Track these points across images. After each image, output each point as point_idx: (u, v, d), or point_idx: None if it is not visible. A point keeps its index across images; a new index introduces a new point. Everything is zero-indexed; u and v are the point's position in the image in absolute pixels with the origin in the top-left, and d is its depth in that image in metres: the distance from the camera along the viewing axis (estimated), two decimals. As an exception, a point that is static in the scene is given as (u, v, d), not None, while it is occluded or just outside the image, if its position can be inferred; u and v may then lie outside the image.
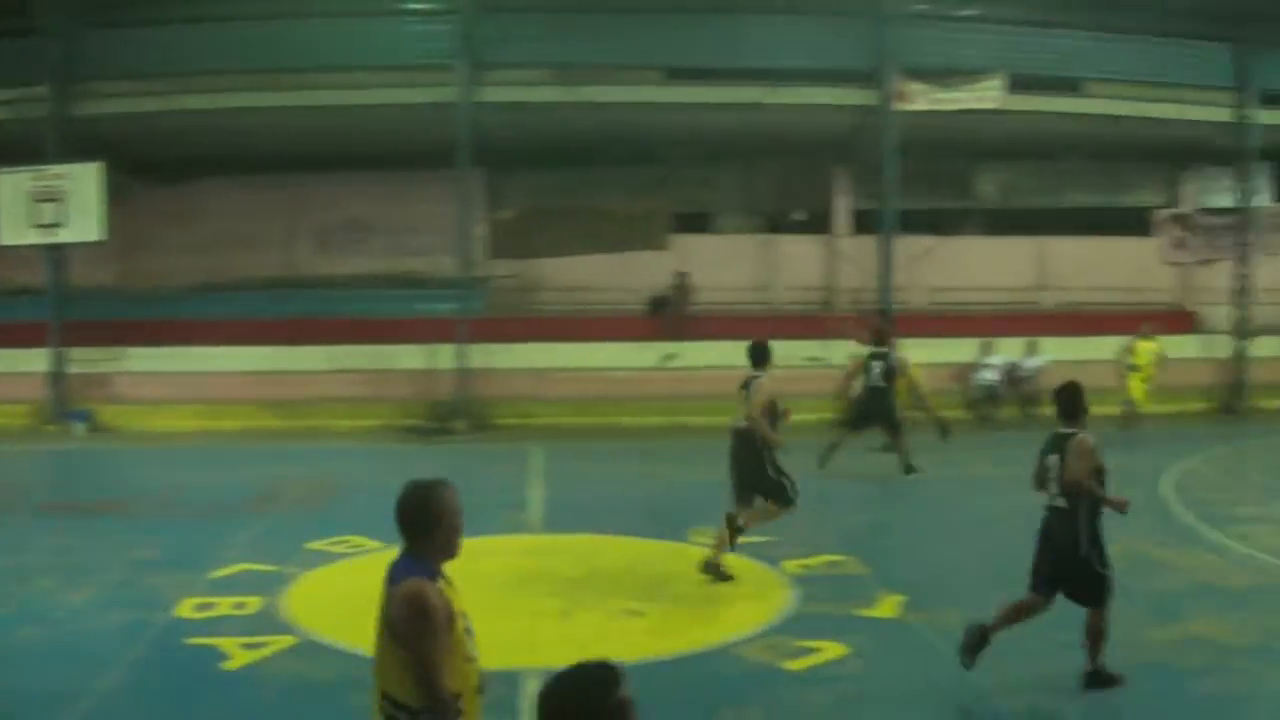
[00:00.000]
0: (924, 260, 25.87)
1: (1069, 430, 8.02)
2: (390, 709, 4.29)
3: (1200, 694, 8.76)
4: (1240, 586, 12.03)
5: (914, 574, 12.03)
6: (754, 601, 11.05)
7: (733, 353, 23.75)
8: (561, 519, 14.46)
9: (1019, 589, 11.18)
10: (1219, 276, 26.89)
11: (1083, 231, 27.51)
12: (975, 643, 8.10)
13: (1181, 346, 24.24)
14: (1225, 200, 26.81)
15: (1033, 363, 23.42)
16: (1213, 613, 10.78)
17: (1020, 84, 23.28)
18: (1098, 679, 8.15)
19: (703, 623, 10.48)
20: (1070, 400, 8.10)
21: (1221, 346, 25.50)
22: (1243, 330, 25.54)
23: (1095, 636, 8.16)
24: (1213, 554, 13.61)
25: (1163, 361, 21.81)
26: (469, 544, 11.74)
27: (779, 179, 27.11)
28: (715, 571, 11.05)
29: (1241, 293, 25.67)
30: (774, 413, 11.44)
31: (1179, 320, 26.84)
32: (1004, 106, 23.07)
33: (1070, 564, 8.07)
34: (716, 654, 9.46)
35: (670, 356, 23.40)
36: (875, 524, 15.12)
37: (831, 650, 9.32)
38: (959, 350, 24.02)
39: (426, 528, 4.30)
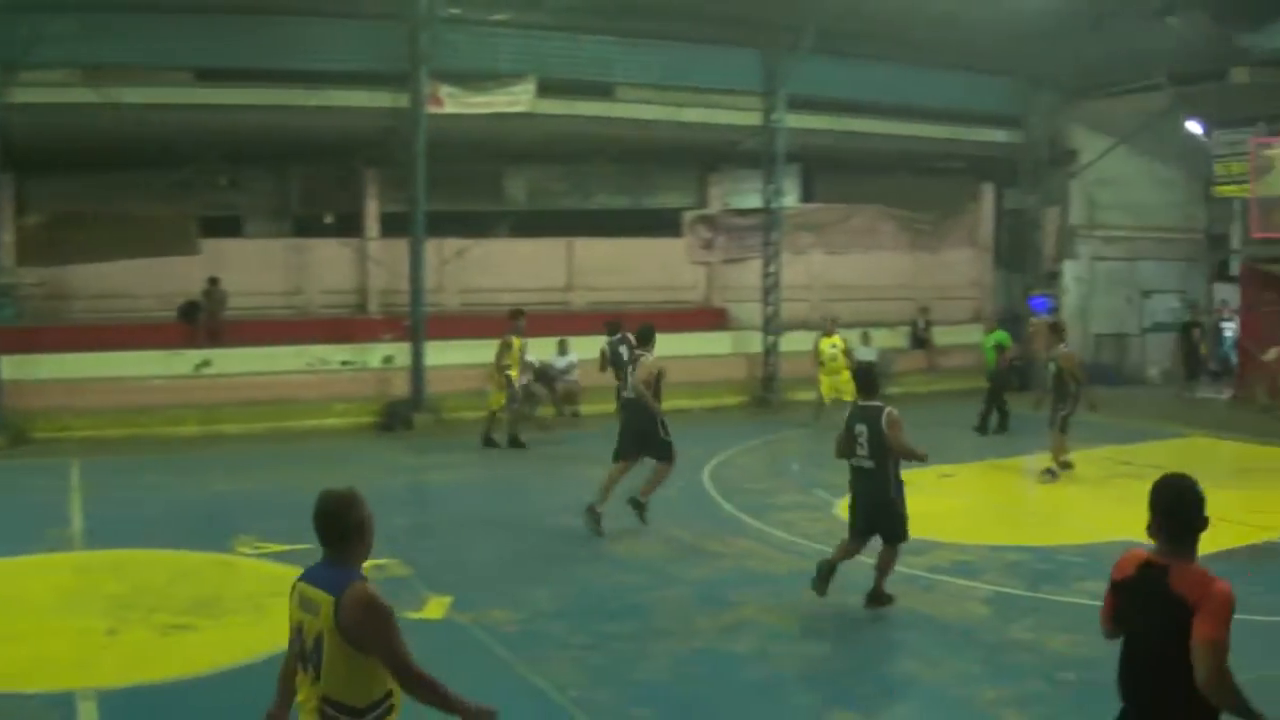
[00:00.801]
0: (456, 262, 29.96)
1: (873, 403, 12.39)
2: (333, 713, 5.69)
3: (750, 678, 10.90)
4: (784, 572, 14.50)
5: (458, 574, 14.18)
6: (302, 610, 12.95)
7: (268, 358, 26.07)
8: (104, 534, 16.12)
9: (560, 585, 13.28)
10: (747, 274, 32.29)
11: (612, 232, 32.24)
12: (826, 574, 12.32)
13: (713, 343, 29.99)
14: (753, 201, 32.36)
15: (564, 362, 27.84)
16: (759, 599, 13.31)
17: (551, 88, 27.53)
18: (878, 598, 12.33)
19: (252, 633, 11.94)
20: (869, 378, 12.43)
21: (752, 342, 31.20)
22: (772, 326, 31.03)
23: (888, 565, 12.29)
24: (756, 542, 16.29)
25: (849, 354, 26.48)
26: (10, 564, 13.85)
27: (310, 182, 30.94)
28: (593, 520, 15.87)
29: (770, 290, 31.11)
30: (659, 384, 16.14)
31: (710, 317, 32.42)
32: (534, 110, 27.32)
33: (878, 511, 12.49)
34: (267, 665, 10.25)
35: (204, 364, 26.38)
36: (416, 526, 17.37)
37: (383, 654, 11.17)
38: (493, 351, 26.80)
39: (358, 535, 5.91)
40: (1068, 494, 20.28)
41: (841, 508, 17.32)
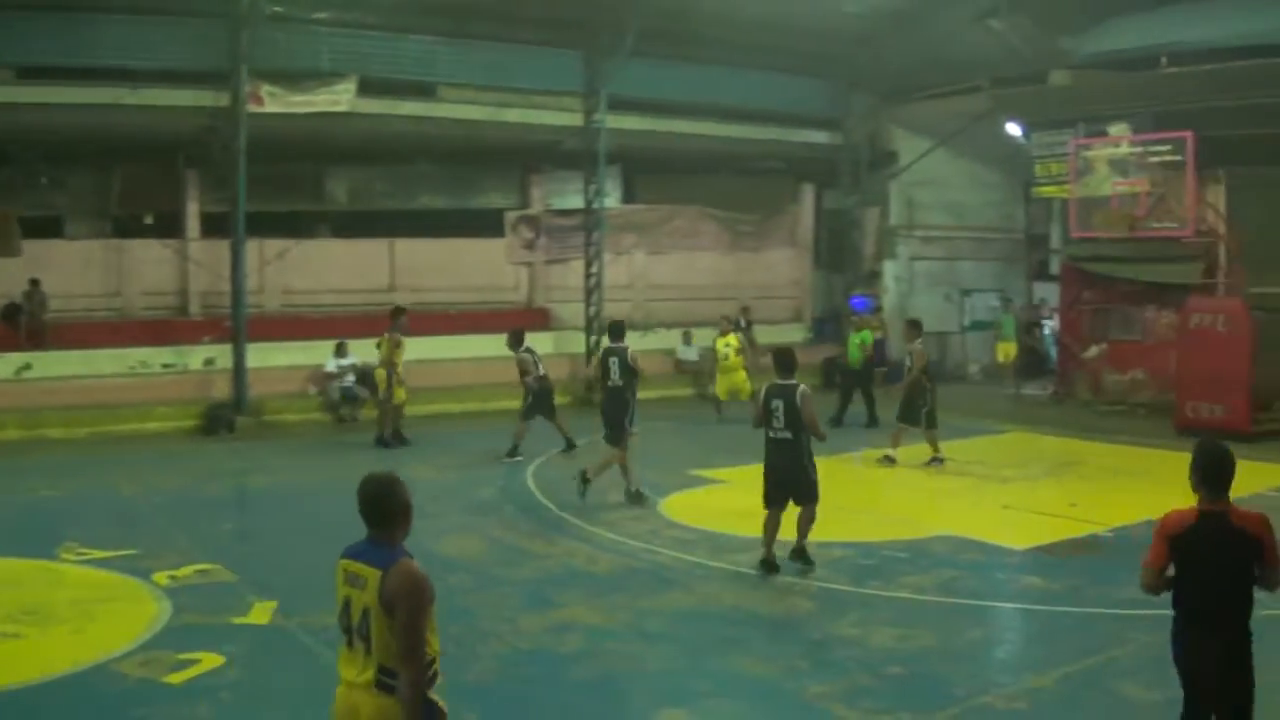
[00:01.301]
0: (277, 263, 30.40)
1: (789, 382, 14.63)
2: (389, 681, 6.45)
3: (578, 677, 11.36)
4: (609, 571, 15.20)
5: (283, 578, 14.39)
6: (128, 616, 12.96)
7: (89, 362, 26.43)
8: (-76, 543, 15.80)
9: None
10: (569, 275, 33.53)
11: (435, 233, 32.85)
12: (769, 566, 14.73)
13: (536, 344, 28.10)
14: (575, 201, 33.42)
15: (386, 363, 27.92)
16: (585, 599, 13.84)
17: (373, 87, 28.30)
18: (801, 554, 14.92)
19: (80, 641, 12.13)
20: (788, 359, 14.90)
21: (575, 342, 32.27)
22: (595, 327, 31.98)
23: (808, 523, 14.32)
24: (580, 542, 16.86)
25: (747, 349, 28.53)
26: None
27: (131, 182, 30.90)
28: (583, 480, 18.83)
29: (592, 290, 32.33)
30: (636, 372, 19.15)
31: (532, 318, 33.02)
32: (356, 110, 28.03)
33: (793, 478, 14.63)
34: (96, 672, 11.24)
35: (26, 368, 26.65)
36: (240, 531, 17.87)
37: (209, 660, 11.35)
38: (315, 353, 28.74)
39: (403, 516, 6.77)
40: (891, 490, 21.42)
41: (665, 507, 18.76)
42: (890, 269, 38.78)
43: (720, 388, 28.83)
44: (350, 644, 6.71)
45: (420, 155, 31.98)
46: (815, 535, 15.76)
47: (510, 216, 34.28)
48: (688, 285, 37.32)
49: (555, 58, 31.60)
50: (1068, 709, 10.81)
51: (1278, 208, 29.96)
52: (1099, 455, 24.80)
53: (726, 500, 19.87)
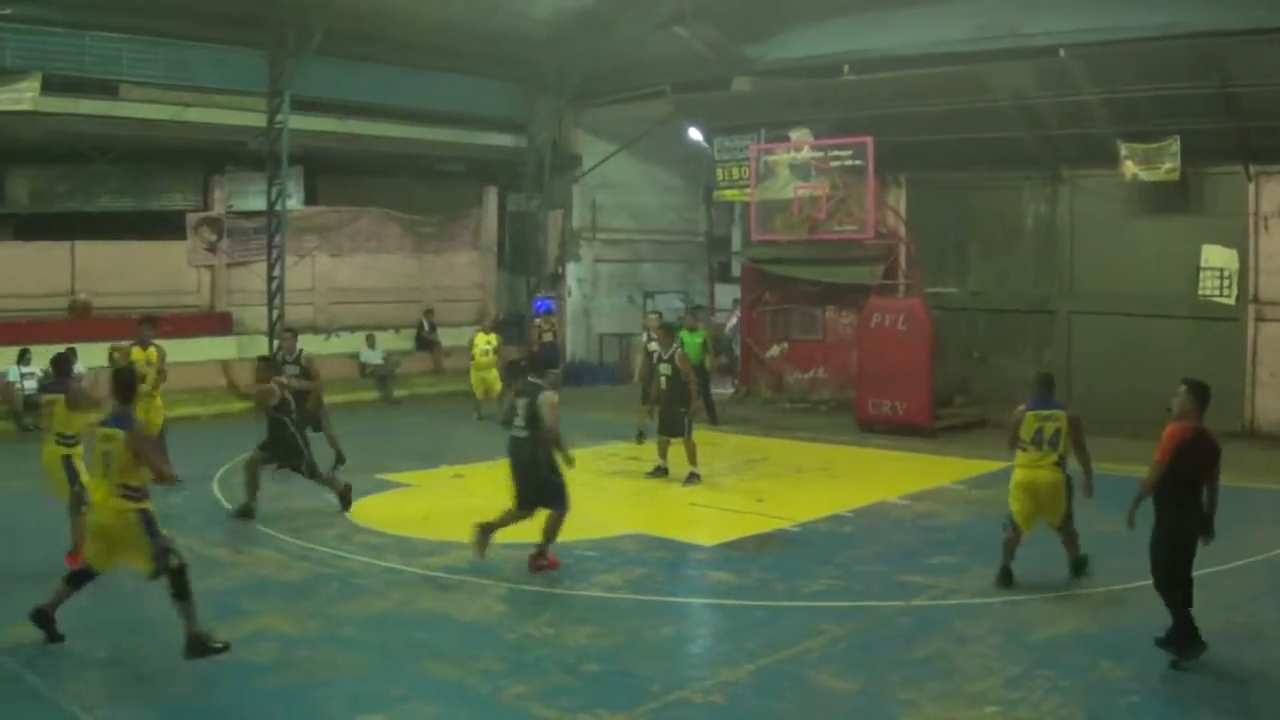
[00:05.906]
0: None
1: (538, 382, 16.52)
2: (1060, 464, 14.83)
3: (272, 686, 11.87)
4: (299, 579, 15.93)
5: None
6: None
7: None
8: None
9: (76, 599, 13.54)
10: (251, 278, 35.26)
11: (117, 235, 33.86)
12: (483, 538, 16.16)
13: (219, 348, 32.00)
14: (257, 203, 35.18)
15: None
16: (276, 607, 14.39)
17: (55, 85, 29.55)
18: (540, 557, 16.09)
19: None
20: (541, 360, 18.46)
21: (258, 346, 33.03)
22: (278, 330, 33.22)
23: (554, 529, 16.22)
24: (270, 550, 17.60)
25: (501, 349, 30.44)
26: None
27: None
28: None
29: (275, 294, 34.06)
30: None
31: (215, 321, 35.08)
32: (39, 108, 29.21)
33: (531, 478, 16.22)
34: None
35: None
36: None
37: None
38: None
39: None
40: (579, 490, 21.28)
41: (353, 512, 20.01)
42: (573, 271, 41.97)
43: (475, 386, 31.74)
44: (1040, 448, 15.10)
45: (102, 155, 32.72)
46: (507, 536, 16.88)
47: (192, 218, 35.61)
48: (371, 288, 39.51)
49: (240, 57, 33.35)
50: (764, 700, 11.75)
51: (953, 211, 33.63)
52: (782, 452, 26.95)
53: (414, 504, 21.26)
